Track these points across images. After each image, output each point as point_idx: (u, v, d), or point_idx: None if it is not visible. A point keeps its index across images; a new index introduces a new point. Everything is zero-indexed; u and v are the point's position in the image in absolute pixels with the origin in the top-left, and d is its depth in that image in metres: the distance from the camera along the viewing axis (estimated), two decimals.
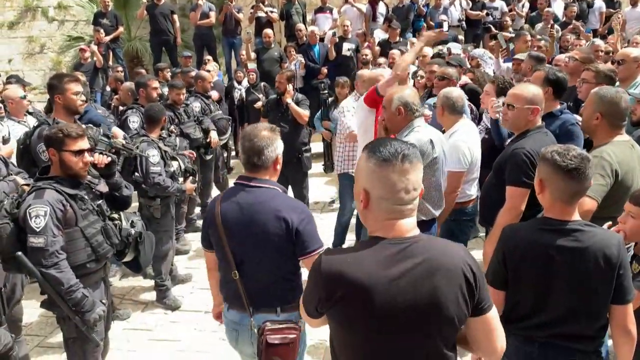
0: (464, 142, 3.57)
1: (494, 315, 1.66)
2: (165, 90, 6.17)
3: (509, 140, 3.40)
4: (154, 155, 4.33)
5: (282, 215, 2.34)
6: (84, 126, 3.72)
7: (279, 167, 2.50)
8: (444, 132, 3.71)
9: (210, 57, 9.12)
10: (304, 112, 5.58)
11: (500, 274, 2.18)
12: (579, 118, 3.50)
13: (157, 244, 4.14)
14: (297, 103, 5.64)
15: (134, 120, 5.01)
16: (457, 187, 3.56)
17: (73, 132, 2.85)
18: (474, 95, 4.95)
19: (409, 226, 1.60)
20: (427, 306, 1.52)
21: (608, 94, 2.94)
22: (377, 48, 8.74)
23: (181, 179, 4.62)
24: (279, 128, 5.22)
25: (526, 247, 2.13)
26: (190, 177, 4.70)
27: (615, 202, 2.69)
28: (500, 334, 1.67)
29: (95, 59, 8.87)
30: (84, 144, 2.89)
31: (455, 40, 9.28)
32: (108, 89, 8.28)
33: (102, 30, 9.51)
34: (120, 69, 8.97)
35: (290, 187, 5.67)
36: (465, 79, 5.48)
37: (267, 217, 2.35)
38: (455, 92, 3.79)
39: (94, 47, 9.00)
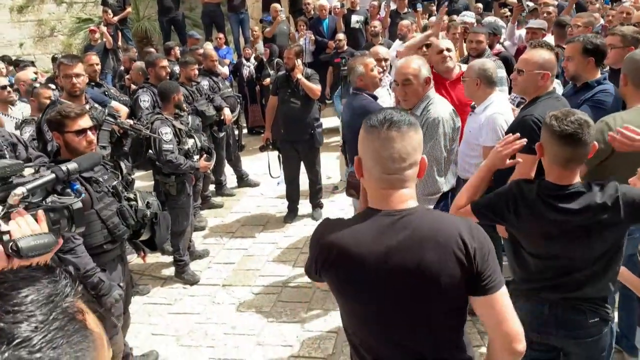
0: (501, 115, 3.39)
1: (501, 296, 1.53)
2: (176, 68, 6.21)
3: (520, 108, 3.37)
4: (166, 133, 4.38)
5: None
6: (87, 106, 3.79)
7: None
8: (473, 107, 3.58)
9: (221, 35, 9.10)
10: (316, 87, 5.55)
11: None
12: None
13: (174, 220, 4.27)
14: (308, 78, 5.59)
15: (145, 100, 5.07)
16: None
17: (71, 112, 2.86)
18: (507, 64, 4.87)
19: (401, 198, 1.57)
20: (415, 277, 1.51)
21: (632, 56, 2.88)
22: (388, 19, 8.67)
23: (196, 157, 4.67)
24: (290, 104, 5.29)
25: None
26: (205, 155, 4.75)
27: (617, 170, 2.57)
28: (511, 317, 1.53)
29: (105, 40, 8.91)
30: (84, 122, 2.90)
31: (467, 8, 9.16)
32: (122, 68, 8.34)
33: (110, 11, 9.53)
34: (135, 50, 9.02)
35: (302, 164, 5.77)
36: (499, 46, 5.43)
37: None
38: (490, 63, 3.60)
39: (103, 28, 9.03)
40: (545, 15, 6.33)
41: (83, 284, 2.40)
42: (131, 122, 4.19)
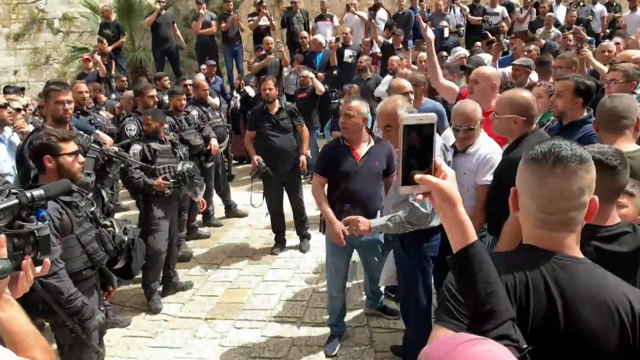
0: (495, 154, 3.29)
1: None
2: (165, 98, 6.21)
3: (504, 148, 3.28)
4: (133, 149, 4.49)
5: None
6: (74, 133, 3.75)
7: None
8: (453, 146, 3.48)
9: (207, 66, 9.14)
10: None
11: None
12: None
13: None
14: (291, 113, 5.64)
15: (131, 128, 5.05)
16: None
17: (66, 134, 2.93)
18: None
19: (564, 242, 1.38)
20: (570, 338, 1.32)
21: (600, 104, 2.91)
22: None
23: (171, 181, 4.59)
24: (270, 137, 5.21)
25: None
26: (164, 175, 4.58)
27: None
28: None
29: (98, 68, 8.95)
30: (74, 145, 2.97)
31: (456, 45, 9.33)
32: (113, 96, 8.36)
33: (105, 41, 9.62)
34: (124, 78, 9.06)
35: (286, 194, 5.74)
36: None
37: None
38: (472, 104, 3.45)
39: (97, 57, 9.08)
40: (526, 54, 6.43)
41: (65, 309, 2.29)
42: (116, 149, 4.15)
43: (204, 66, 9.20)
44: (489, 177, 3.22)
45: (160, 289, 4.85)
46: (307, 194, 5.94)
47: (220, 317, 4.54)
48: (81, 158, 3.01)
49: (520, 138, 3.00)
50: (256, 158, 5.49)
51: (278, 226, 5.83)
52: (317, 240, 5.86)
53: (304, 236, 5.86)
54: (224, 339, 4.20)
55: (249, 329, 4.33)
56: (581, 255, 1.40)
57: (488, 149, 3.30)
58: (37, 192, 1.54)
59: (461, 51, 7.56)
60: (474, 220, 3.24)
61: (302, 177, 5.85)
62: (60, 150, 2.88)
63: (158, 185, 4.50)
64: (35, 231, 1.48)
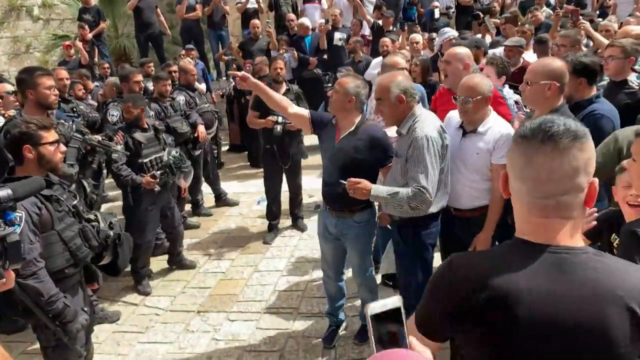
0: (513, 131, 3.12)
1: None
2: (150, 84, 6.00)
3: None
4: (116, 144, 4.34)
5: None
6: (55, 121, 3.56)
7: None
8: (461, 126, 3.28)
9: (186, 50, 8.90)
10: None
11: None
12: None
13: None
14: (297, 95, 5.53)
15: (114, 114, 4.89)
16: None
17: (46, 122, 2.74)
18: None
19: (561, 231, 1.23)
20: (590, 337, 1.17)
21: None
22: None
23: (158, 172, 4.51)
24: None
25: None
26: (152, 173, 4.47)
27: None
28: None
29: (80, 56, 8.67)
30: (55, 134, 2.79)
31: (447, 27, 9.15)
32: (96, 84, 8.10)
33: (86, 27, 9.32)
34: (106, 65, 8.79)
35: (285, 178, 5.62)
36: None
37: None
38: (478, 78, 3.26)
39: (79, 44, 8.81)
40: (520, 34, 6.28)
41: (45, 311, 2.11)
42: (99, 138, 3.95)
43: (183, 51, 8.96)
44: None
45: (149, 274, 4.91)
46: (305, 178, 5.90)
47: (213, 309, 4.39)
48: (62, 147, 2.84)
49: (553, 110, 2.79)
50: (271, 118, 5.30)
51: (274, 213, 5.72)
52: (312, 228, 5.74)
53: (298, 217, 5.82)
54: (217, 333, 4.05)
55: (243, 321, 4.19)
56: (581, 244, 1.25)
57: (503, 128, 3.11)
58: (4, 193, 1.37)
59: (450, 32, 7.35)
60: (495, 208, 3.02)
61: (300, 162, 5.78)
62: (41, 139, 2.70)
63: (147, 184, 4.40)
64: (4, 237, 1.32)
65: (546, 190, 1.22)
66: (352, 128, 3.38)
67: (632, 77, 3.84)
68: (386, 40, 6.98)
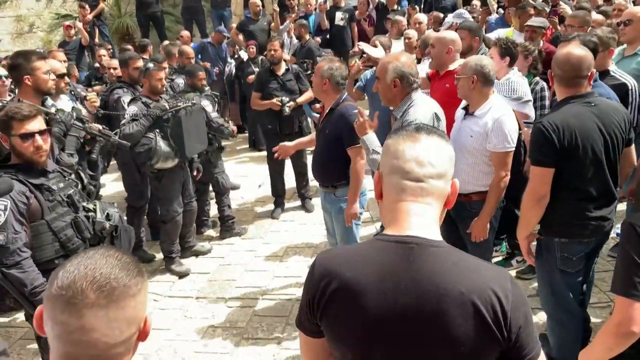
0: (508, 118, 3.05)
1: None
2: (151, 65, 5.90)
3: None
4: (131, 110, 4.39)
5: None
6: (53, 109, 3.48)
7: None
8: (466, 107, 3.25)
9: (186, 33, 8.77)
10: (309, 94, 5.62)
11: None
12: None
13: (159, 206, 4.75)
14: (297, 75, 5.62)
15: (127, 100, 4.73)
16: (509, 168, 3.09)
17: (19, 113, 2.58)
18: None
19: (421, 218, 1.26)
20: (428, 330, 1.19)
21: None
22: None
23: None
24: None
25: None
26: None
27: None
28: None
29: (80, 36, 8.58)
30: (33, 125, 2.61)
31: (454, 7, 8.95)
32: (97, 65, 8.01)
33: (87, 6, 9.20)
34: (109, 46, 8.69)
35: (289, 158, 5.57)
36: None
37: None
38: (487, 60, 3.21)
39: (79, 24, 8.70)
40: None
41: (30, 302, 2.07)
42: (100, 127, 3.86)
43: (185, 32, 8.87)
44: (508, 144, 3.02)
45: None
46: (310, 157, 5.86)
47: (212, 295, 4.38)
48: (39, 141, 2.61)
49: (568, 99, 2.63)
50: (276, 99, 5.41)
51: (278, 189, 5.79)
52: (311, 215, 5.73)
53: (306, 197, 5.86)
54: (215, 319, 4.05)
55: (241, 307, 4.17)
56: (439, 237, 1.28)
57: (498, 112, 3.05)
58: None
59: (465, 16, 7.10)
60: (493, 195, 3.01)
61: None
62: (12, 130, 2.58)
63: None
64: None
65: (422, 173, 1.28)
66: (328, 109, 3.56)
67: (612, 67, 3.75)
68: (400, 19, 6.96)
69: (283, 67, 5.57)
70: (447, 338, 1.17)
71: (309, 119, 6.08)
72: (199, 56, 8.61)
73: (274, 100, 5.38)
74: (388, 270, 1.22)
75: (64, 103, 4.16)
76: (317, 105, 5.72)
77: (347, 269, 1.25)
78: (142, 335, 1.07)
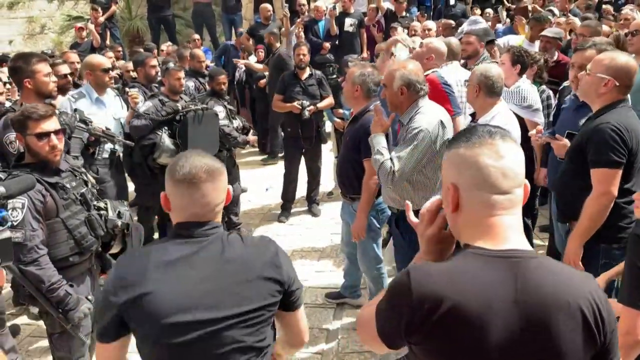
0: (509, 127, 3.04)
1: None
2: (171, 65, 5.99)
3: (584, 119, 2.95)
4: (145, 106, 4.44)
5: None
6: (55, 109, 3.52)
7: None
8: (473, 116, 3.33)
9: (197, 36, 8.85)
10: (329, 100, 5.76)
11: None
12: None
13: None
14: (319, 81, 5.72)
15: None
16: None
17: (35, 113, 2.62)
18: None
19: (513, 233, 1.24)
20: (543, 350, 1.18)
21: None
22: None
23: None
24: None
25: None
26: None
27: None
28: None
29: (92, 38, 8.68)
30: (49, 125, 2.66)
31: (464, 15, 8.98)
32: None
33: (99, 9, 9.31)
34: (119, 48, 8.79)
35: (304, 162, 5.80)
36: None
37: None
38: (495, 70, 3.27)
39: (91, 26, 8.80)
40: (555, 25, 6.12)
41: (47, 299, 2.11)
42: (103, 128, 3.89)
43: (195, 36, 8.95)
44: None
45: None
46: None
47: None
48: (54, 140, 2.66)
49: (610, 104, 2.65)
50: (297, 102, 5.50)
51: (288, 194, 5.86)
52: (317, 219, 5.80)
53: (313, 201, 5.94)
54: None
55: None
56: (528, 245, 1.26)
57: (500, 121, 3.04)
58: None
59: (480, 24, 7.12)
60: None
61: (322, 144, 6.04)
62: (27, 129, 2.62)
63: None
64: None
65: (509, 184, 1.24)
66: (353, 116, 3.58)
67: None
68: (397, 27, 6.96)
69: (307, 72, 5.68)
70: (555, 349, 1.17)
71: (328, 124, 6.11)
72: (222, 58, 8.72)
73: (295, 103, 5.48)
74: (499, 289, 1.19)
75: (110, 98, 4.30)
76: (340, 111, 5.79)
77: (454, 292, 1.18)
78: (227, 199, 1.69)
